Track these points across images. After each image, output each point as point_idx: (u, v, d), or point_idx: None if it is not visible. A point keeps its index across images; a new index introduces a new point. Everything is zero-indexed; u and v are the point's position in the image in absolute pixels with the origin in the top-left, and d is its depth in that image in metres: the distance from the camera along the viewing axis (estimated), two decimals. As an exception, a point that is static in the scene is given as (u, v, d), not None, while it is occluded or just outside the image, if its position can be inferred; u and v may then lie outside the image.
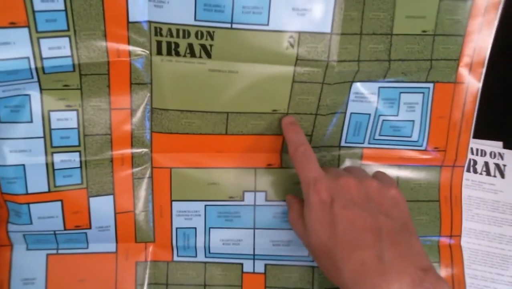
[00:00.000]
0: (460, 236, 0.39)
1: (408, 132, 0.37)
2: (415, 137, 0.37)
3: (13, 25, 0.29)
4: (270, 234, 0.37)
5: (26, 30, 0.30)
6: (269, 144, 0.36)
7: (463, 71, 0.36)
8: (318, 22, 0.32)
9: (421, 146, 0.37)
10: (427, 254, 0.29)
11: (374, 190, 0.30)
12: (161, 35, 0.32)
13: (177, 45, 0.33)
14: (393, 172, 0.38)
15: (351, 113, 0.36)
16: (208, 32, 0.32)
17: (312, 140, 0.36)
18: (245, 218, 0.37)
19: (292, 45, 0.33)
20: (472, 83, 0.36)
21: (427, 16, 0.34)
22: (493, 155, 0.41)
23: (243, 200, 0.37)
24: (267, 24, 0.32)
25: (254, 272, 0.37)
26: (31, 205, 0.33)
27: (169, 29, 0.32)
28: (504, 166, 0.41)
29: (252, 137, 0.36)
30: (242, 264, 0.37)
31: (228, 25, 0.32)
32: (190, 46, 0.33)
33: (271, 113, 0.35)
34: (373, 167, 0.38)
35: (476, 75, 0.36)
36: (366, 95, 0.36)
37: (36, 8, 0.30)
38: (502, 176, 0.41)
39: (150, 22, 0.32)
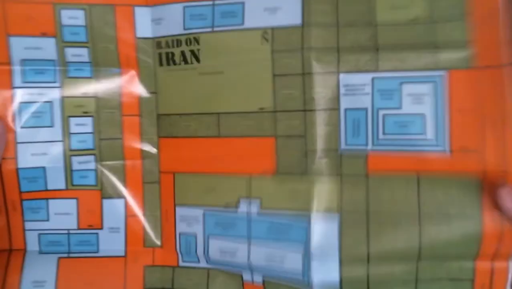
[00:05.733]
0: (509, 256, 0.29)
1: (418, 129, 0.31)
2: (430, 135, 0.31)
3: (44, 35, 0.36)
4: (265, 245, 0.34)
5: (53, 39, 0.37)
6: (262, 148, 0.35)
7: (481, 54, 0.30)
8: (290, 17, 0.33)
9: (441, 146, 0.31)
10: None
11: None
12: (160, 47, 0.36)
13: (173, 54, 0.36)
14: (411, 181, 0.31)
15: (346, 109, 0.33)
16: (195, 38, 0.35)
17: (307, 143, 0.34)
18: (240, 228, 0.35)
19: (267, 40, 0.33)
20: (497, 66, 0.29)
21: (415, 3, 0.30)
22: None
23: (238, 208, 0.35)
24: (242, 24, 0.33)
25: (253, 283, 0.35)
26: (49, 201, 0.38)
27: (166, 41, 0.36)
28: None
29: (245, 140, 0.35)
30: (241, 274, 0.36)
31: (210, 29, 0.34)
32: (183, 53, 0.36)
33: (259, 112, 0.34)
34: (383, 177, 0.32)
35: (496, 57, 0.29)
36: (358, 87, 0.32)
37: (63, 23, 0.36)
38: None
39: (153, 38, 0.37)
